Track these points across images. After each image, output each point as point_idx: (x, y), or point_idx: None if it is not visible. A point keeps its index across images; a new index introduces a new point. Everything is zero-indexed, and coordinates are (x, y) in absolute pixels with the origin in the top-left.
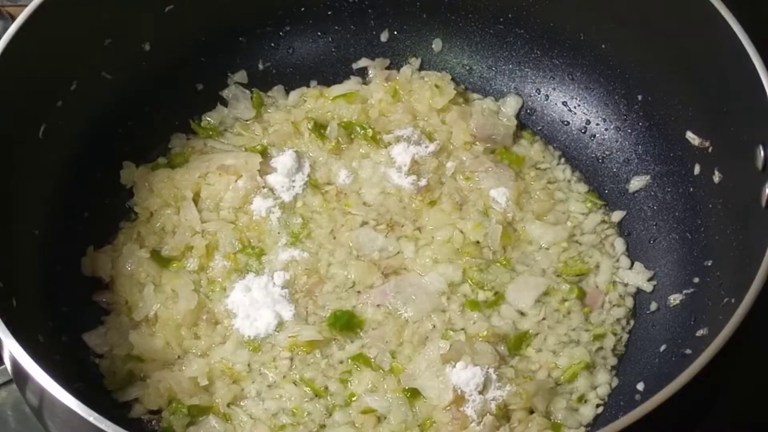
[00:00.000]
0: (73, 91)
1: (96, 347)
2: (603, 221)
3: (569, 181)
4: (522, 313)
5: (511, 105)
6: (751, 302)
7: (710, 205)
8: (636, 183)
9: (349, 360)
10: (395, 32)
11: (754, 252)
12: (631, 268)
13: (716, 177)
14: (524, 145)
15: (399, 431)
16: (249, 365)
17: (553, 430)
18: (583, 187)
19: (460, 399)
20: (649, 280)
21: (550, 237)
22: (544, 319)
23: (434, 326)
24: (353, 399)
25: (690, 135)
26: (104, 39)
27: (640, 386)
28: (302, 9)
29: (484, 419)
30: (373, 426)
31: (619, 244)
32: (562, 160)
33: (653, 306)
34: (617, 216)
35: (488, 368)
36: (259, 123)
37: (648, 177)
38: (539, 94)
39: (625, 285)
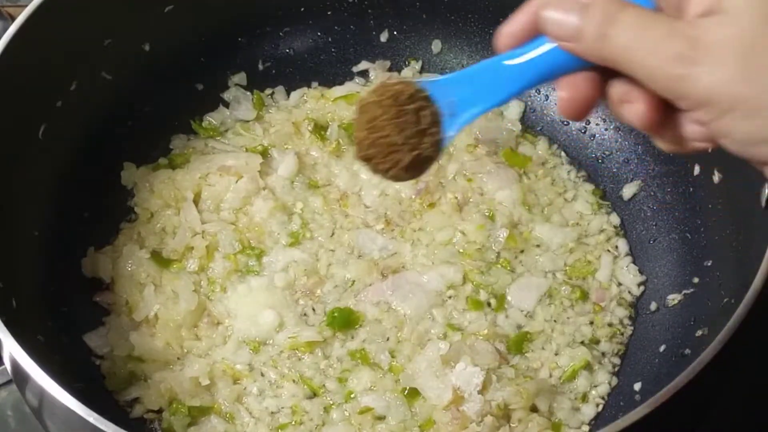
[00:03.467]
0: (73, 92)
1: (97, 348)
2: (607, 221)
3: (575, 181)
4: (523, 314)
5: (514, 110)
6: (750, 302)
7: (710, 205)
8: (629, 190)
9: (348, 356)
10: (395, 32)
11: (753, 252)
12: (626, 269)
13: (716, 177)
14: (527, 146)
15: (398, 431)
16: (250, 365)
17: (554, 429)
18: (589, 187)
19: (459, 399)
20: (640, 284)
21: (560, 239)
22: (545, 319)
23: (433, 324)
24: (351, 397)
25: None
26: (104, 39)
27: (640, 386)
28: (302, 9)
29: (484, 419)
30: (371, 425)
31: (623, 245)
32: (566, 160)
33: (653, 306)
34: (615, 218)
35: (488, 368)
36: (259, 123)
37: (639, 181)
38: (539, 94)
39: (620, 285)
